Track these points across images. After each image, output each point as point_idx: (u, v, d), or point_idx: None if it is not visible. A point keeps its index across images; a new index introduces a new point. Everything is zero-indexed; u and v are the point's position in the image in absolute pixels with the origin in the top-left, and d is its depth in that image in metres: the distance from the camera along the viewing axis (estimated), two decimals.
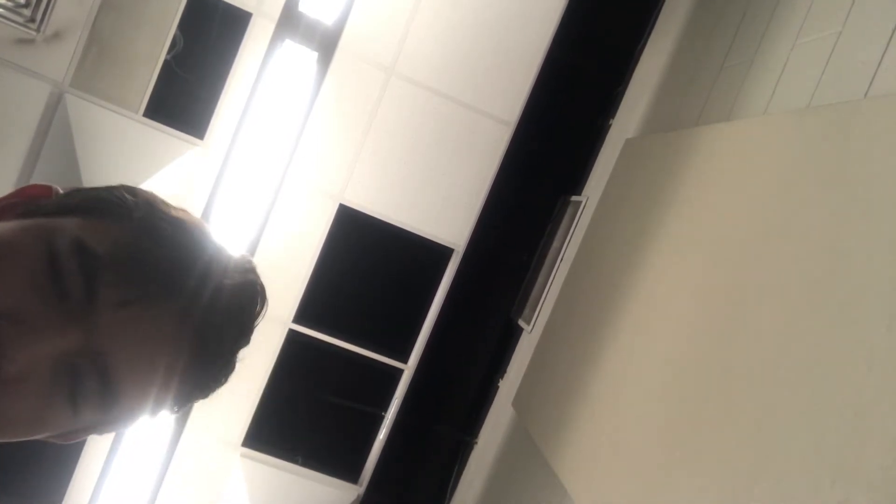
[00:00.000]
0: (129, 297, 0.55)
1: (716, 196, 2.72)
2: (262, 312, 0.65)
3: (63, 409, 0.55)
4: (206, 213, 3.30)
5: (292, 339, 4.75)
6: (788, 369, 1.86)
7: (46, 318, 0.52)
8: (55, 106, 4.26)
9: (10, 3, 4.06)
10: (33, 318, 0.52)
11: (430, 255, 4.82)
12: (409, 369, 4.87)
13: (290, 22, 3.20)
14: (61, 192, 0.64)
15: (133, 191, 0.64)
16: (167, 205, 0.64)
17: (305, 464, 4.86)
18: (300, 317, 4.75)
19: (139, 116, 4.35)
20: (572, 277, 4.01)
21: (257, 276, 0.65)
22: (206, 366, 0.61)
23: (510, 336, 4.77)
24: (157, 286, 0.56)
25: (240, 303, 0.62)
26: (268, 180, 3.33)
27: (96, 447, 4.52)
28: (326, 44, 3.25)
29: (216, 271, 0.60)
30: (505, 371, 4.65)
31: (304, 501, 4.83)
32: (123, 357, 0.55)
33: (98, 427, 0.62)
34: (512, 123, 4.68)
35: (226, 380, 0.65)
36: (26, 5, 4.07)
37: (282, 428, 4.93)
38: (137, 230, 0.58)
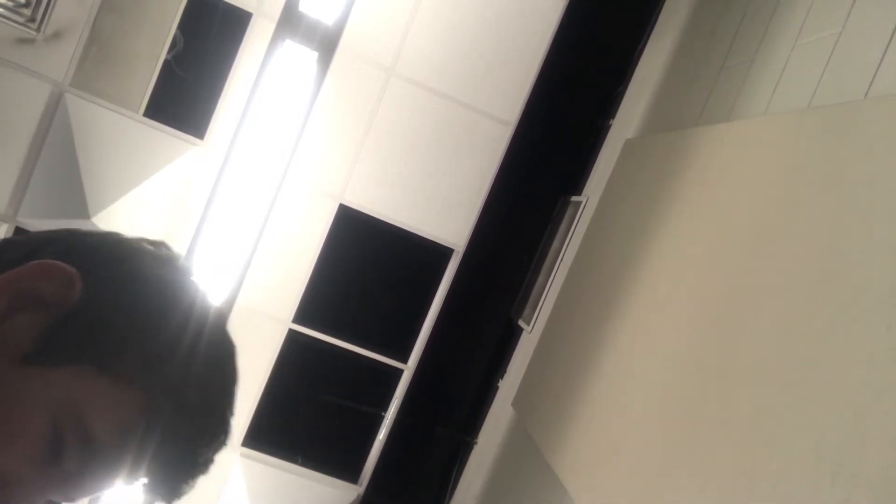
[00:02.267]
0: (118, 473, 0.61)
1: (716, 196, 2.72)
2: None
3: None
4: (205, 213, 3.30)
5: (292, 339, 4.75)
6: (789, 369, 1.86)
7: (40, 484, 0.58)
8: (55, 106, 4.26)
9: (10, 3, 4.06)
10: (26, 484, 0.57)
11: (430, 255, 4.82)
12: (408, 369, 4.87)
13: (290, 22, 3.21)
14: (78, 289, 0.58)
15: (159, 315, 0.60)
16: (191, 352, 0.62)
17: (305, 464, 4.86)
18: (300, 317, 4.75)
19: (139, 116, 4.35)
20: (572, 278, 4.01)
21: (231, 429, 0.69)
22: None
23: (510, 336, 4.77)
24: (144, 468, 0.63)
25: (207, 465, 0.68)
26: (268, 180, 3.33)
27: None
28: (326, 44, 3.25)
29: (203, 456, 0.66)
30: (505, 371, 4.65)
31: (304, 501, 4.83)
32: (95, 493, 0.63)
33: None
34: (512, 123, 4.68)
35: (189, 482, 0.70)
36: (26, 5, 4.07)
37: (281, 428, 4.93)
38: (145, 412, 0.59)
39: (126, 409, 0.58)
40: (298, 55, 3.26)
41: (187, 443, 0.63)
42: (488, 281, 4.86)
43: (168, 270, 0.63)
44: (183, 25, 4.36)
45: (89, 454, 0.58)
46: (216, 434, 0.65)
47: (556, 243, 4.53)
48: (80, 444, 0.57)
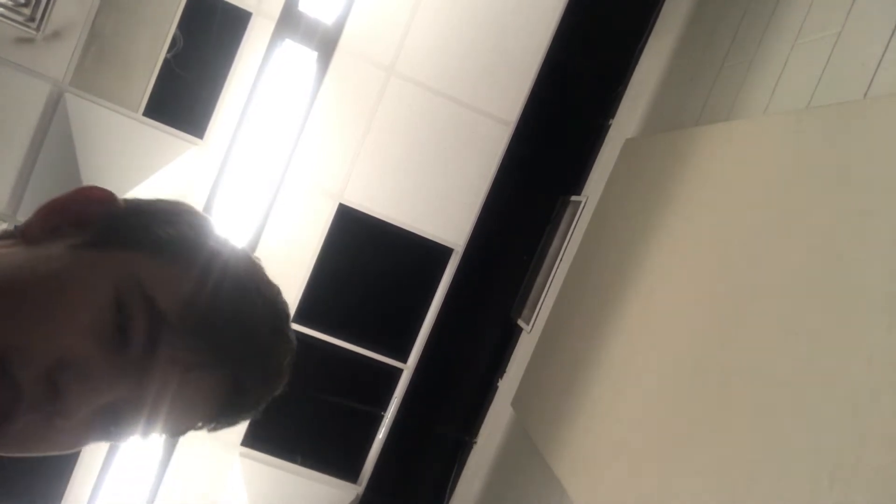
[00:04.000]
0: (188, 362, 0.56)
1: (715, 196, 2.72)
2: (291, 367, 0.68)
3: (95, 440, 0.58)
4: (205, 213, 3.29)
5: None
6: (787, 369, 1.86)
7: (107, 369, 0.53)
8: (55, 105, 4.26)
9: (9, 3, 4.06)
10: (95, 368, 0.52)
11: (430, 254, 4.82)
12: (408, 369, 4.87)
13: (290, 21, 3.20)
14: (122, 204, 0.62)
15: (198, 228, 0.63)
16: (229, 245, 0.64)
17: (305, 463, 4.86)
18: (300, 316, 4.74)
19: (139, 116, 4.35)
20: (572, 277, 4.01)
21: (292, 330, 0.67)
22: (235, 414, 0.64)
23: (509, 336, 4.77)
24: (214, 356, 0.58)
25: (280, 371, 0.66)
26: (267, 180, 3.33)
27: (96, 447, 4.51)
28: (326, 43, 3.25)
29: (269, 341, 0.62)
30: (504, 371, 4.65)
31: (304, 501, 4.83)
32: (167, 409, 0.58)
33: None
34: (512, 123, 4.68)
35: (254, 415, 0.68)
36: (26, 4, 4.07)
37: (281, 427, 4.93)
38: (202, 284, 0.58)
39: (186, 283, 0.57)
40: (298, 55, 3.26)
41: (252, 330, 0.60)
42: (488, 281, 4.86)
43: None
44: (182, 25, 4.36)
45: (156, 329, 0.54)
46: (280, 317, 0.64)
47: (555, 243, 4.53)
48: (145, 315, 0.54)
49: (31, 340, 0.50)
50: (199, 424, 0.63)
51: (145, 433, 0.58)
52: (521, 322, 4.57)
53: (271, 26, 3.44)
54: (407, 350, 4.89)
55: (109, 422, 0.56)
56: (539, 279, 4.57)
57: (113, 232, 0.59)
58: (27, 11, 4.07)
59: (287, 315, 0.66)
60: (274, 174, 3.33)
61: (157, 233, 0.59)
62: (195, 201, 4.20)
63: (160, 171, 4.38)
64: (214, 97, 4.41)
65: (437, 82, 4.61)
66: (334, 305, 4.87)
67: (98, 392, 0.53)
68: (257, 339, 0.61)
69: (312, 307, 4.75)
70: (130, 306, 0.54)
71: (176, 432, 0.62)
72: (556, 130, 4.78)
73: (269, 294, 0.64)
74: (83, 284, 0.53)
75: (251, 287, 0.62)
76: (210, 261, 0.60)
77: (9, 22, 4.07)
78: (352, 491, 4.89)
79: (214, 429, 0.65)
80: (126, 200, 0.63)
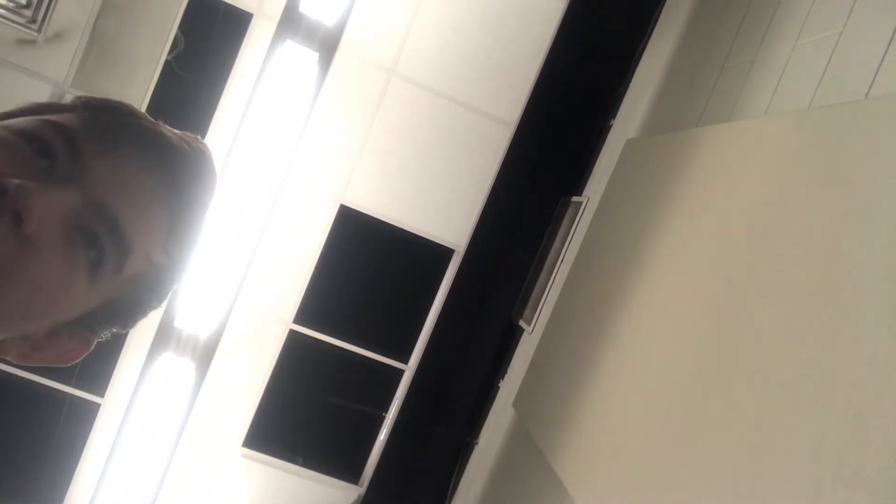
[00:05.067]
0: (110, 146, 0.59)
1: (716, 197, 2.72)
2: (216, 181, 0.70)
3: (82, 270, 0.58)
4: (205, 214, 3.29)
5: (293, 339, 4.76)
6: (789, 369, 1.86)
7: (44, 181, 0.55)
8: None
9: (11, 4, 4.06)
10: (36, 186, 0.54)
11: (431, 255, 4.82)
12: (409, 370, 4.87)
13: (290, 22, 3.21)
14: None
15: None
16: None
17: (306, 464, 4.86)
18: (301, 317, 4.75)
19: None
20: (573, 278, 4.01)
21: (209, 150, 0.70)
22: (190, 209, 0.65)
23: (511, 337, 4.77)
24: (131, 138, 0.61)
25: (203, 165, 0.66)
26: (269, 181, 3.34)
27: (97, 448, 4.52)
28: (327, 44, 3.25)
29: (177, 136, 0.66)
30: (505, 372, 4.65)
31: (305, 502, 4.83)
32: (124, 202, 0.59)
33: (118, 307, 0.64)
34: (512, 123, 4.69)
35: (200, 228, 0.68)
36: (27, 6, 4.07)
37: (282, 428, 4.93)
38: (100, 107, 0.63)
39: (81, 109, 0.62)
40: (299, 56, 3.26)
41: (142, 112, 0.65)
42: (489, 281, 4.86)
43: None
44: (184, 26, 4.36)
45: (71, 134, 0.58)
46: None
47: (556, 244, 4.53)
48: (53, 130, 0.57)
49: None
50: (161, 206, 0.62)
51: (118, 237, 0.58)
52: (522, 323, 4.57)
53: (272, 27, 3.44)
54: (408, 351, 4.89)
55: (83, 237, 0.56)
56: (540, 280, 4.57)
57: (14, 111, 0.62)
58: (28, 13, 4.08)
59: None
60: (275, 175, 3.33)
61: (52, 103, 0.63)
62: None
63: None
64: (215, 98, 4.41)
65: (438, 83, 4.61)
66: (335, 306, 4.87)
67: (46, 192, 0.54)
68: (163, 134, 0.64)
69: (314, 308, 4.76)
70: (41, 131, 0.57)
71: (144, 227, 0.61)
72: (556, 131, 4.77)
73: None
74: None
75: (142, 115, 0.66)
76: (104, 101, 0.64)
77: (10, 23, 4.07)
78: (353, 492, 4.89)
79: (193, 232, 0.66)
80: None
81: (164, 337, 3.28)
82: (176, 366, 3.35)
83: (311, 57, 3.26)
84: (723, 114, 3.01)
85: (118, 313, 0.65)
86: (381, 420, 4.95)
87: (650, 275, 3.00)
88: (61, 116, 0.60)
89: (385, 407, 4.94)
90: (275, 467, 4.80)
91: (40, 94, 4.22)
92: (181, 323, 3.31)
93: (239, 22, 4.39)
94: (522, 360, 4.33)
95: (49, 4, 4.06)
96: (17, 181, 0.52)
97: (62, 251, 0.55)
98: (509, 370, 4.60)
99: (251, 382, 4.72)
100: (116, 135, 0.60)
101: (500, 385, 4.69)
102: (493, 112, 4.68)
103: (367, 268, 5.00)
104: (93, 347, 0.67)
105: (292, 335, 4.75)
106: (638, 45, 4.59)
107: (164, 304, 0.66)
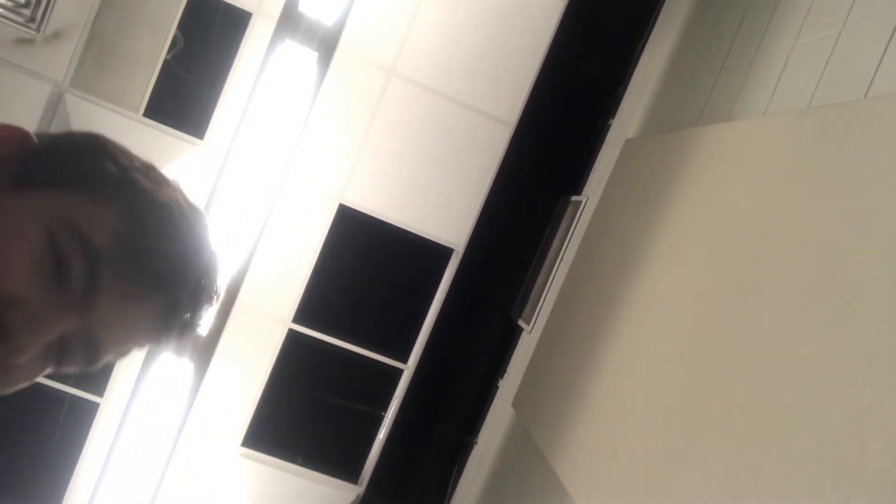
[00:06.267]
0: (127, 293, 0.59)
1: (716, 196, 2.72)
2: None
3: (46, 372, 0.60)
4: (205, 213, 3.29)
5: (292, 338, 4.75)
6: (789, 369, 1.86)
7: (50, 306, 0.55)
8: (55, 106, 4.26)
9: (10, 3, 4.06)
10: (39, 306, 0.54)
11: (430, 255, 4.81)
12: (408, 369, 4.87)
13: (290, 22, 3.20)
14: (36, 140, 0.62)
15: (114, 158, 0.64)
16: (149, 175, 0.65)
17: (305, 464, 4.86)
18: (300, 317, 4.74)
19: (139, 116, 4.35)
20: (572, 277, 4.01)
21: (217, 250, 0.70)
22: (174, 334, 0.66)
23: (510, 336, 4.77)
24: (150, 285, 0.60)
25: (212, 289, 0.68)
26: (268, 180, 3.33)
27: (96, 448, 4.52)
28: (326, 44, 3.25)
29: (198, 263, 0.65)
30: (505, 371, 4.65)
31: (304, 501, 4.83)
32: (113, 338, 0.60)
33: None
34: (512, 123, 4.68)
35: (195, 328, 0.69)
36: (26, 5, 4.06)
37: (282, 428, 4.93)
38: (130, 220, 0.60)
39: (116, 217, 0.59)
40: (298, 55, 3.25)
41: (182, 256, 0.63)
42: (488, 281, 4.86)
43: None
44: (183, 25, 4.36)
45: (93, 264, 0.56)
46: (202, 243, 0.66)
47: (555, 243, 4.53)
48: (80, 253, 0.55)
49: None
50: (142, 346, 0.65)
51: (93, 360, 0.61)
52: (521, 322, 4.57)
53: (271, 27, 3.44)
54: (407, 350, 4.89)
55: (59, 354, 0.58)
56: (539, 279, 4.57)
57: (34, 170, 0.59)
58: (27, 12, 4.07)
59: (211, 232, 0.69)
60: (274, 174, 3.33)
61: (81, 170, 0.60)
62: (195, 201, 4.20)
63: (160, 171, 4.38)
64: (214, 97, 4.41)
65: (437, 83, 4.61)
66: (335, 306, 4.87)
67: (46, 328, 0.55)
68: (188, 263, 0.63)
69: (313, 307, 4.75)
70: (65, 246, 0.55)
71: (120, 356, 0.64)
72: (556, 130, 4.77)
73: (193, 218, 0.66)
74: (14, 231, 0.54)
75: (177, 214, 0.64)
76: (136, 194, 0.62)
77: (9, 23, 4.07)
78: (352, 491, 4.89)
79: (155, 348, 0.69)
80: (38, 136, 0.63)
81: None
82: (175, 365, 3.35)
83: (311, 56, 3.25)
84: (722, 114, 3.01)
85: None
86: (380, 419, 4.94)
87: (649, 274, 3.00)
88: (91, 220, 0.57)
89: (384, 406, 4.94)
90: (274, 467, 4.80)
91: (39, 93, 4.22)
92: None
93: (238, 21, 4.38)
94: (522, 360, 4.33)
95: (48, 3, 4.05)
96: (18, 310, 0.52)
97: (38, 364, 0.57)
98: (508, 370, 4.60)
99: (250, 382, 4.72)
100: (138, 281, 0.59)
101: (499, 384, 4.69)
102: (493, 112, 4.68)
103: (367, 267, 5.00)
104: None
105: (291, 335, 4.75)
106: (637, 44, 4.59)
107: None
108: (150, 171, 0.66)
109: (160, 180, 0.66)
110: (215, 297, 0.68)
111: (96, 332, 0.58)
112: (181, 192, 0.68)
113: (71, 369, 0.60)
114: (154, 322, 0.62)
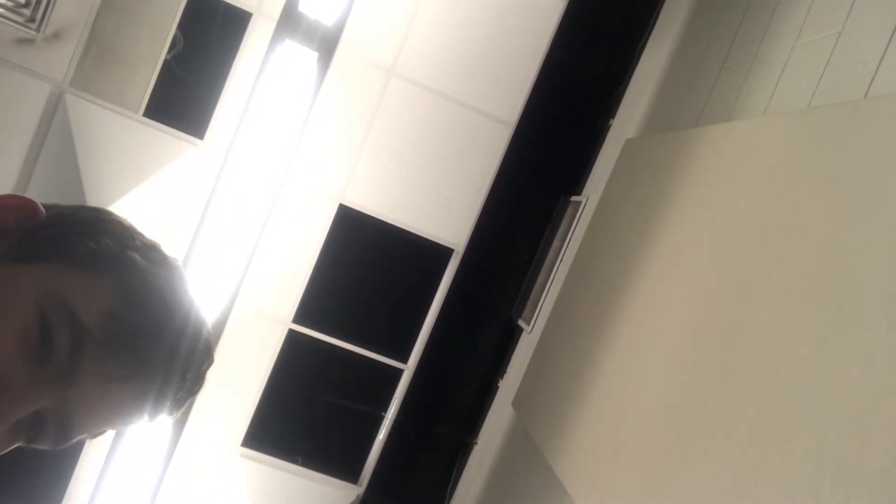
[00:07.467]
0: (111, 376, 0.58)
1: (716, 196, 2.72)
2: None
3: (17, 445, 0.59)
4: (205, 214, 3.30)
5: (292, 339, 4.75)
6: (788, 369, 1.86)
7: (30, 384, 0.55)
8: (55, 106, 4.26)
9: (10, 3, 4.06)
10: (19, 384, 0.54)
11: (430, 255, 4.81)
12: (408, 369, 4.87)
13: (290, 22, 3.20)
14: (42, 212, 0.62)
15: (115, 235, 0.63)
16: (148, 254, 0.64)
17: (305, 464, 4.86)
18: (300, 317, 4.74)
19: (139, 116, 4.35)
20: (572, 277, 4.00)
21: (211, 336, 0.69)
22: (154, 416, 0.65)
23: (510, 336, 4.77)
24: (136, 368, 0.59)
25: (200, 370, 0.67)
26: (268, 180, 3.33)
27: (96, 448, 4.51)
28: (327, 44, 3.25)
29: (189, 345, 0.64)
30: (505, 371, 4.65)
31: (304, 501, 4.83)
32: (89, 418, 0.59)
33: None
34: (512, 123, 4.68)
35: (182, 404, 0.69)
36: (26, 5, 4.06)
37: (281, 428, 4.93)
38: (122, 300, 0.59)
39: (109, 297, 0.58)
40: (298, 55, 3.25)
41: (172, 342, 0.62)
42: (488, 281, 4.86)
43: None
44: (183, 25, 4.36)
45: (79, 343, 0.56)
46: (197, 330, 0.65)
47: (556, 243, 4.53)
48: (67, 330, 0.55)
49: None
50: (117, 428, 0.64)
51: (66, 439, 0.60)
52: (521, 322, 4.57)
53: (271, 27, 3.43)
54: (407, 350, 4.89)
55: (32, 428, 0.57)
56: (539, 279, 4.56)
57: (34, 244, 0.59)
58: (27, 12, 4.07)
59: (204, 322, 0.67)
60: (274, 175, 3.33)
61: (80, 246, 0.60)
62: (195, 202, 4.21)
63: (160, 171, 4.38)
64: (214, 97, 4.41)
65: (437, 83, 4.61)
66: (335, 306, 4.87)
67: (23, 403, 0.54)
68: (177, 350, 0.63)
69: (313, 307, 4.75)
70: (53, 321, 0.55)
71: (93, 437, 0.63)
72: (556, 130, 4.77)
73: (188, 304, 0.65)
74: (4, 301, 0.54)
75: (171, 299, 0.63)
76: (132, 273, 0.61)
77: (9, 22, 4.07)
78: (352, 492, 4.89)
79: (131, 426, 0.67)
80: (46, 207, 0.63)
81: None
82: None
83: (311, 56, 3.25)
84: (722, 114, 3.01)
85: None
86: (380, 420, 4.94)
87: (649, 274, 3.00)
88: (84, 298, 0.57)
89: (384, 407, 4.94)
90: (274, 467, 4.80)
91: (39, 93, 4.22)
92: None
93: (238, 21, 4.38)
94: (522, 360, 4.33)
95: (48, 3, 4.05)
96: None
97: (8, 437, 0.57)
98: (508, 370, 4.60)
99: (250, 382, 4.72)
100: (123, 364, 0.58)
101: (499, 385, 4.69)
102: (493, 112, 4.68)
103: (367, 267, 5.00)
104: None
105: (291, 335, 4.75)
106: (637, 44, 4.59)
107: None
108: (150, 250, 0.65)
109: (159, 260, 0.65)
110: (200, 383, 0.68)
111: (73, 410, 0.58)
112: (180, 271, 0.66)
113: (42, 446, 0.59)
114: (133, 404, 0.61)
